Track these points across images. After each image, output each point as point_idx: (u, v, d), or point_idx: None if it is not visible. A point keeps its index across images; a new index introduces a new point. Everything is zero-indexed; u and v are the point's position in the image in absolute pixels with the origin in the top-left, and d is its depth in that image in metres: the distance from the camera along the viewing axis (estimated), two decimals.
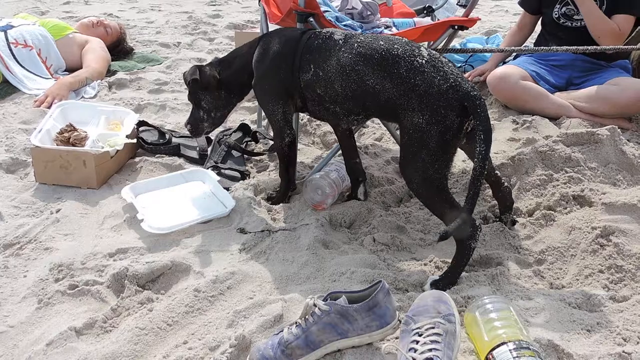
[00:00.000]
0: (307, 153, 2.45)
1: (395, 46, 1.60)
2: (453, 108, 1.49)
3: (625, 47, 2.65)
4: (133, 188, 2.01)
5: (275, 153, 2.01)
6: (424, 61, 1.55)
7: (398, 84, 1.56)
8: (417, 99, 1.52)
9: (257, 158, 2.37)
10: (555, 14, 2.77)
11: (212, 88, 1.93)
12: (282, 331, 1.29)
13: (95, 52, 3.41)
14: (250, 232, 1.81)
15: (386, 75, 1.58)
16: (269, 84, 1.85)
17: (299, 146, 2.51)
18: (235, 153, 2.34)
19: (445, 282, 1.56)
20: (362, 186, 2.02)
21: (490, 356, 1.19)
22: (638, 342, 1.32)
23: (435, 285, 1.54)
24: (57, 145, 2.17)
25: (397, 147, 2.31)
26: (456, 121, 1.50)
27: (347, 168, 2.03)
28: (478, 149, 1.45)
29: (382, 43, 1.62)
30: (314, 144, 2.59)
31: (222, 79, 1.93)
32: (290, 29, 1.90)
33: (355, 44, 1.66)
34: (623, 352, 1.26)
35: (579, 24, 2.71)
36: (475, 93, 1.49)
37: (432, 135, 1.50)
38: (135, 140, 2.33)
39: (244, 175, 2.22)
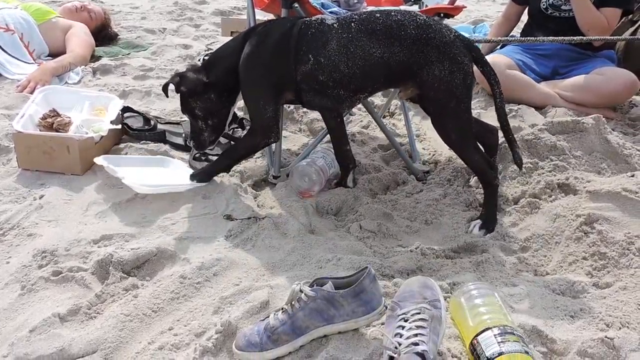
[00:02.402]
0: (293, 140, 2.44)
1: (392, 13, 1.70)
2: (465, 54, 1.65)
3: (611, 37, 2.66)
4: (107, 158, 2.02)
5: (241, 144, 1.96)
6: (425, 18, 1.68)
7: (410, 44, 1.65)
8: (435, 50, 1.63)
9: None
10: (544, 5, 2.77)
11: (200, 93, 1.85)
12: (268, 317, 1.29)
13: (79, 37, 3.36)
14: (236, 219, 1.80)
15: (394, 40, 1.66)
16: (260, 82, 1.81)
17: (285, 133, 2.50)
18: (222, 140, 2.32)
19: (489, 222, 1.75)
20: (351, 173, 2.02)
21: (475, 341, 1.20)
22: (620, 328, 1.34)
23: (484, 228, 1.73)
24: (40, 130, 2.13)
25: (383, 136, 2.30)
26: (470, 66, 1.65)
27: (336, 155, 2.03)
28: (495, 90, 1.67)
29: (379, 15, 1.70)
30: (301, 131, 2.58)
31: (209, 82, 1.85)
32: (277, 22, 1.86)
33: (352, 24, 1.71)
34: (605, 337, 1.27)
35: (567, 14, 2.72)
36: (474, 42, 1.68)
37: (457, 83, 1.64)
38: (120, 126, 2.30)
39: None
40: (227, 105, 1.92)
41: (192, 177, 1.94)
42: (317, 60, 1.71)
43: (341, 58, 1.70)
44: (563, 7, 2.72)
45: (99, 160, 1.99)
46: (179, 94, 1.88)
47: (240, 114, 2.57)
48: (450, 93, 1.66)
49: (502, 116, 1.70)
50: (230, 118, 1.98)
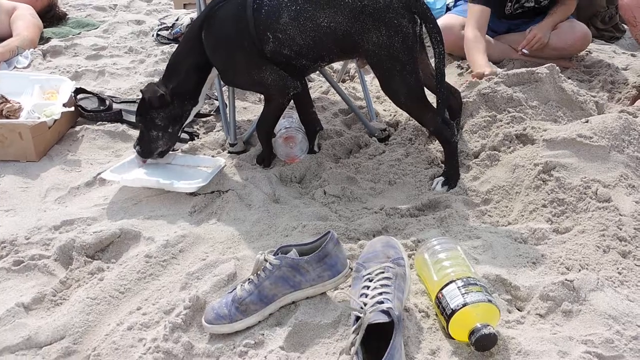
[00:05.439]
0: (253, 111, 2.42)
1: None
2: (403, 16, 1.62)
3: None
4: (114, 171, 1.87)
5: (267, 112, 1.90)
6: None
7: (348, 13, 1.64)
8: (370, 18, 1.62)
9: (204, 119, 2.32)
10: (508, 10, 2.73)
11: (165, 103, 1.82)
12: (235, 289, 1.29)
13: (25, 19, 3.23)
14: (199, 194, 1.78)
15: (336, 9, 1.65)
16: (239, 64, 1.78)
17: (245, 104, 2.48)
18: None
19: (452, 178, 1.78)
20: (317, 138, 2.02)
21: (440, 295, 1.22)
22: (580, 270, 1.38)
23: (446, 184, 1.76)
24: None
25: (341, 100, 2.29)
26: (410, 27, 1.63)
27: (302, 119, 2.02)
28: (435, 50, 1.64)
29: None
30: (260, 101, 2.54)
31: (172, 88, 1.82)
32: (227, 7, 1.77)
33: None
34: (566, 280, 1.31)
35: (531, 4, 2.70)
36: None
37: (396, 46, 1.62)
38: (73, 109, 2.23)
39: (192, 137, 2.18)
40: (188, 109, 1.88)
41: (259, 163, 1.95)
42: (275, 37, 1.70)
43: (295, 31, 1.68)
44: (526, 4, 2.70)
45: (107, 175, 1.82)
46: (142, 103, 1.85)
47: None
48: (393, 58, 1.64)
49: (440, 77, 1.67)
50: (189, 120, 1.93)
